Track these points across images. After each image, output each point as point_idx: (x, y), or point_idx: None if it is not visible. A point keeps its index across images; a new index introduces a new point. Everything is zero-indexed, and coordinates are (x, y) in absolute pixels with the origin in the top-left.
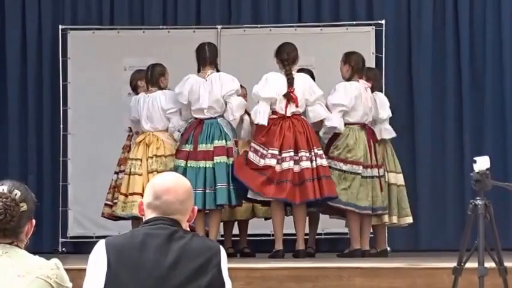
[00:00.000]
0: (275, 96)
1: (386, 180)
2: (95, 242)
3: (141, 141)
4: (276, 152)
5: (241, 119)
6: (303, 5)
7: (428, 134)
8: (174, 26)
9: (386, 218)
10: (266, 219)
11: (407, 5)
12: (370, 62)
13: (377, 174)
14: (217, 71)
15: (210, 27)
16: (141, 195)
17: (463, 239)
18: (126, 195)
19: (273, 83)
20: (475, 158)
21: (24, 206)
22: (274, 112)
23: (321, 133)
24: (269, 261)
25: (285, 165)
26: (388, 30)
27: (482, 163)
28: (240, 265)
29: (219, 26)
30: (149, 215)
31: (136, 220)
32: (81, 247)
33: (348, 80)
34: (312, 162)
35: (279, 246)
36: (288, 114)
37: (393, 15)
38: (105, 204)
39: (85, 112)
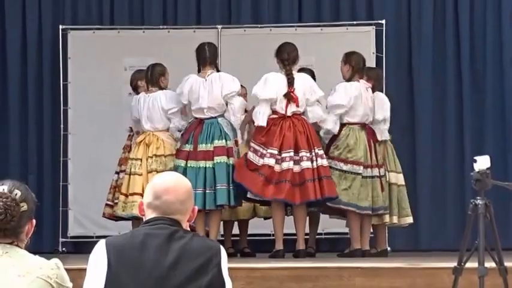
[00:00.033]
0: (274, 97)
1: (387, 180)
2: (95, 242)
3: (141, 141)
4: (275, 152)
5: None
6: (303, 4)
7: (429, 135)
8: (174, 25)
9: (387, 218)
10: (265, 218)
11: (408, 5)
12: (371, 62)
13: (377, 174)
14: (218, 71)
15: (210, 27)
16: (141, 195)
17: (463, 238)
18: (126, 195)
19: (272, 84)
20: (475, 158)
21: (24, 206)
22: (274, 112)
23: (321, 133)
24: (269, 261)
25: (285, 165)
26: (389, 30)
27: (482, 162)
28: (241, 265)
29: (219, 26)
30: (149, 215)
31: (136, 220)
32: (82, 247)
33: (349, 80)
34: (312, 162)
35: (279, 246)
36: (289, 114)
37: (393, 15)
38: (106, 205)
39: (85, 112)
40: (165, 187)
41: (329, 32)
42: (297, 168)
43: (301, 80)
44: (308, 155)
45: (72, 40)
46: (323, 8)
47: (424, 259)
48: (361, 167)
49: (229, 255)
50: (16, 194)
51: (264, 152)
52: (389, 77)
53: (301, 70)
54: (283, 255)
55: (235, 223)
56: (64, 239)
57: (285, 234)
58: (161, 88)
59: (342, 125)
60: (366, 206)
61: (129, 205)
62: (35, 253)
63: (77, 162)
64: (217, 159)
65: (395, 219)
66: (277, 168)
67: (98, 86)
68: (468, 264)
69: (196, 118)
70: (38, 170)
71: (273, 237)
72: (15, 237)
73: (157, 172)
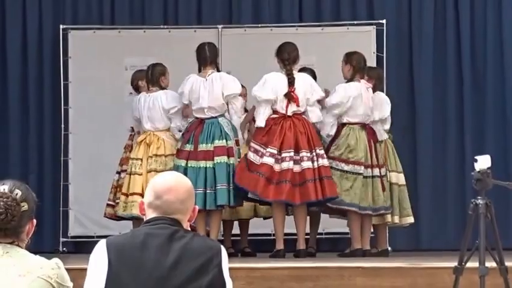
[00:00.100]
0: (273, 97)
1: (388, 179)
2: (96, 242)
3: (142, 140)
4: (275, 151)
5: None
6: (304, 4)
7: (430, 134)
8: (175, 25)
9: (388, 218)
10: (265, 218)
11: (408, 5)
12: (371, 62)
13: (378, 174)
14: (218, 70)
15: (211, 26)
16: (141, 195)
17: (464, 238)
18: (127, 195)
19: (271, 84)
20: (476, 157)
21: (25, 206)
22: (275, 112)
23: (322, 133)
24: (270, 260)
25: (285, 165)
26: (389, 30)
27: (483, 162)
28: (241, 265)
29: (220, 26)
30: (150, 214)
31: (137, 220)
32: (82, 247)
33: (350, 80)
34: (313, 162)
35: (280, 245)
36: (289, 113)
37: (394, 15)
38: (107, 205)
39: (86, 111)
40: (165, 187)
41: (330, 31)
42: (297, 168)
43: (302, 79)
44: (309, 155)
45: (72, 40)
46: (324, 8)
47: (424, 259)
48: (362, 167)
49: (230, 255)
50: (17, 194)
51: (264, 151)
52: (390, 76)
53: (302, 70)
54: (284, 255)
55: (235, 223)
56: (64, 239)
57: (286, 234)
58: (162, 88)
59: (342, 125)
60: (366, 206)
61: (129, 205)
62: (35, 253)
63: (78, 161)
64: (217, 159)
65: (396, 219)
66: (276, 167)
67: (99, 85)
68: (469, 264)
69: (196, 118)
70: (38, 169)
71: (274, 237)
72: (16, 237)
73: (157, 172)
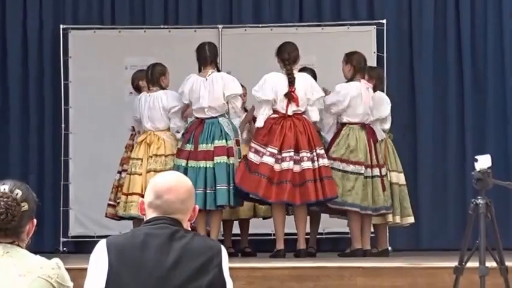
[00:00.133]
0: (271, 97)
1: (389, 179)
2: (96, 242)
3: (142, 140)
4: (275, 151)
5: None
6: (304, 4)
7: (430, 134)
8: (176, 25)
9: (390, 218)
10: (264, 218)
11: (409, 4)
12: (372, 61)
13: (378, 174)
14: (218, 70)
15: (211, 26)
16: (140, 195)
17: (464, 238)
18: (127, 195)
19: (270, 84)
20: (476, 157)
21: (25, 206)
22: (275, 111)
23: (323, 133)
24: (270, 260)
25: (285, 165)
26: (390, 29)
27: (483, 162)
28: (241, 265)
29: (220, 26)
30: (150, 214)
31: (137, 220)
32: (82, 247)
33: (350, 79)
34: (313, 162)
35: (280, 245)
36: (289, 113)
37: (394, 14)
38: (108, 205)
39: (86, 111)
40: (166, 186)
41: (330, 31)
42: (297, 168)
43: (302, 79)
44: (309, 155)
45: (73, 39)
46: (324, 8)
47: (425, 259)
48: (363, 167)
49: (230, 254)
50: (17, 194)
51: (264, 151)
52: (390, 76)
53: (302, 69)
54: (284, 254)
55: (235, 223)
56: (65, 239)
57: (286, 234)
58: (162, 88)
59: (342, 125)
60: (367, 206)
61: (128, 205)
62: (35, 253)
63: (78, 161)
64: (217, 159)
65: (398, 219)
66: (276, 167)
67: (99, 85)
68: (469, 264)
69: (197, 118)
70: (38, 169)
71: (274, 237)
72: (16, 237)
73: (157, 172)
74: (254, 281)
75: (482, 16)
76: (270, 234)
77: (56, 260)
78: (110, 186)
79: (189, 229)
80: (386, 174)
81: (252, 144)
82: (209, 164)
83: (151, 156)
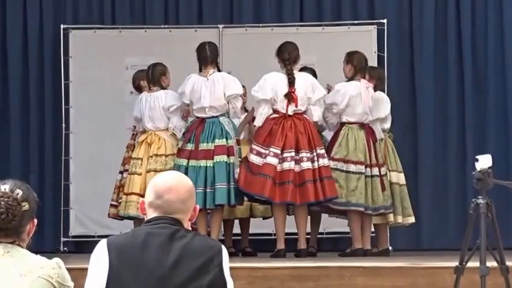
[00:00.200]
0: (270, 97)
1: (389, 179)
2: (97, 242)
3: (143, 140)
4: (278, 151)
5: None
6: (305, 4)
7: (431, 134)
8: (176, 25)
9: (391, 218)
10: (264, 218)
11: (409, 4)
12: (372, 61)
13: (377, 174)
14: (219, 70)
15: (211, 26)
16: (139, 195)
17: (464, 238)
18: (127, 195)
19: (270, 84)
20: (477, 157)
21: (26, 206)
22: (275, 111)
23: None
24: (271, 260)
25: (286, 165)
26: (390, 29)
27: (484, 161)
28: (242, 264)
29: (221, 25)
30: (151, 214)
31: (138, 220)
32: (83, 246)
33: (351, 79)
34: (313, 162)
35: (280, 245)
36: (290, 113)
37: (395, 14)
38: (111, 205)
39: (87, 111)
40: (166, 186)
41: (331, 31)
42: (297, 168)
43: (303, 79)
44: (309, 155)
45: (73, 39)
46: (325, 7)
47: (425, 258)
48: (363, 167)
49: (230, 254)
50: (18, 194)
51: (266, 151)
52: (391, 76)
53: (302, 69)
54: (285, 254)
55: (236, 222)
56: (65, 239)
57: (287, 234)
58: (162, 87)
59: (341, 125)
60: (367, 205)
61: (127, 205)
62: (36, 253)
63: (79, 161)
64: (217, 158)
65: (399, 219)
66: (279, 168)
67: (100, 85)
68: (470, 264)
69: (197, 117)
70: (39, 169)
71: (274, 237)
72: (17, 237)
73: (157, 172)
74: (255, 281)
75: (482, 16)
76: (270, 234)
77: (57, 260)
78: (110, 186)
79: (190, 229)
80: (386, 173)
81: (253, 146)
82: (209, 163)
83: (151, 156)
